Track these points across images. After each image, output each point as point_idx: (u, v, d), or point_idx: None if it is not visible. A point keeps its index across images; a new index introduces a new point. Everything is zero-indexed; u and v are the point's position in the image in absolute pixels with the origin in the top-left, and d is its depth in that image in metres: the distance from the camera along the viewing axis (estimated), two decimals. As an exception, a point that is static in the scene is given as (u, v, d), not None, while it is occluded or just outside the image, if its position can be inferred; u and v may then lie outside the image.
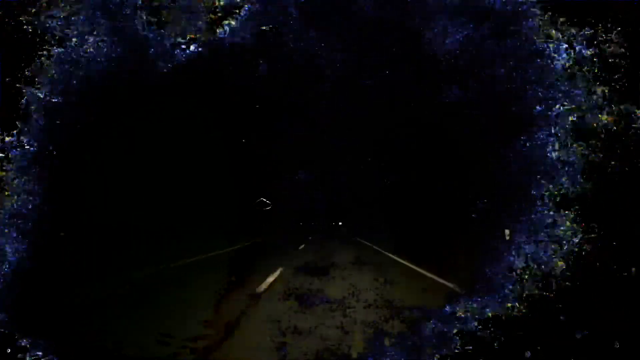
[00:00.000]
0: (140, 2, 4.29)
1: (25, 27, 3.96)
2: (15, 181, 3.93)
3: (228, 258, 12.21)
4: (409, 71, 5.29)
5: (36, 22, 3.99)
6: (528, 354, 3.38)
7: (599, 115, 3.68)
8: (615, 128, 3.64)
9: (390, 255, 12.04)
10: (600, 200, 3.68)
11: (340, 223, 46.47)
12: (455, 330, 3.68)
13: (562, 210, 3.79)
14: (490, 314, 3.76)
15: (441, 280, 6.91)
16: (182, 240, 13.77)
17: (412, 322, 4.21)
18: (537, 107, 3.90)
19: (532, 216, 3.92)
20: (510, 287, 3.84)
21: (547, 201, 3.85)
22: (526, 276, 3.80)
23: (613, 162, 3.64)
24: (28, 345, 3.49)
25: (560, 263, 3.69)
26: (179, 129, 10.43)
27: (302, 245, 17.18)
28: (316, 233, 31.50)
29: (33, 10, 3.97)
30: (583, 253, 3.66)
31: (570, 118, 3.74)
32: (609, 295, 3.57)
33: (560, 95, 3.80)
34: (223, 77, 5.46)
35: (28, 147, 3.97)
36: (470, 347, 3.53)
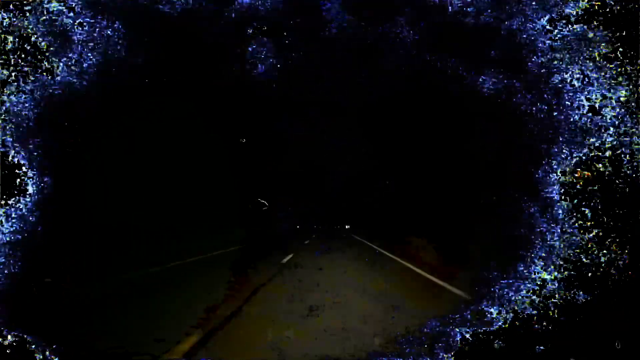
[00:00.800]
0: None
1: (23, 27, 3.96)
2: (15, 180, 3.93)
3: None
4: (410, 71, 5.28)
5: (32, 20, 3.99)
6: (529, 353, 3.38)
7: (609, 112, 3.68)
8: (624, 127, 3.64)
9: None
10: (604, 199, 3.68)
11: (347, 226, 42.12)
12: (457, 332, 3.67)
13: (563, 208, 3.79)
14: (490, 315, 3.76)
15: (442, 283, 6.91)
16: (183, 240, 13.77)
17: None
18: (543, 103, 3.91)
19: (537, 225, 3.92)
20: (511, 286, 3.83)
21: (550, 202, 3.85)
22: (528, 277, 3.80)
23: (622, 160, 3.64)
24: (28, 345, 3.49)
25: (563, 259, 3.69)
26: (178, 129, 10.42)
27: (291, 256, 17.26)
28: (317, 233, 31.29)
29: (29, 7, 3.97)
30: (586, 257, 3.66)
31: (581, 112, 3.74)
32: (610, 295, 3.57)
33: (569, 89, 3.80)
34: (222, 76, 5.46)
35: (27, 145, 3.97)
36: (471, 348, 3.52)
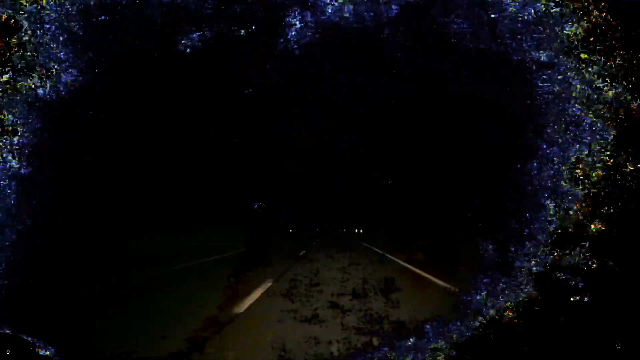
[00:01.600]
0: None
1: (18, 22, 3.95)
2: (13, 180, 3.92)
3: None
4: (410, 71, 5.27)
5: (31, 18, 3.98)
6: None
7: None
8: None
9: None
10: (604, 198, 3.68)
11: (359, 230, 36.27)
12: (456, 331, 3.67)
13: (564, 207, 3.79)
14: (488, 314, 3.75)
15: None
16: (182, 241, 13.78)
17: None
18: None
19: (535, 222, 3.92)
20: (511, 285, 3.83)
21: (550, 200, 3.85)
22: (525, 275, 3.80)
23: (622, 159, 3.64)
24: (28, 345, 3.49)
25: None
26: (178, 129, 10.42)
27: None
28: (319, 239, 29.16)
29: (30, 9, 3.96)
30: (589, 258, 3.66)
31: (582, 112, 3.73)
32: (610, 295, 3.57)
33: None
34: (222, 76, 5.45)
35: (26, 145, 3.96)
36: (470, 347, 3.53)
